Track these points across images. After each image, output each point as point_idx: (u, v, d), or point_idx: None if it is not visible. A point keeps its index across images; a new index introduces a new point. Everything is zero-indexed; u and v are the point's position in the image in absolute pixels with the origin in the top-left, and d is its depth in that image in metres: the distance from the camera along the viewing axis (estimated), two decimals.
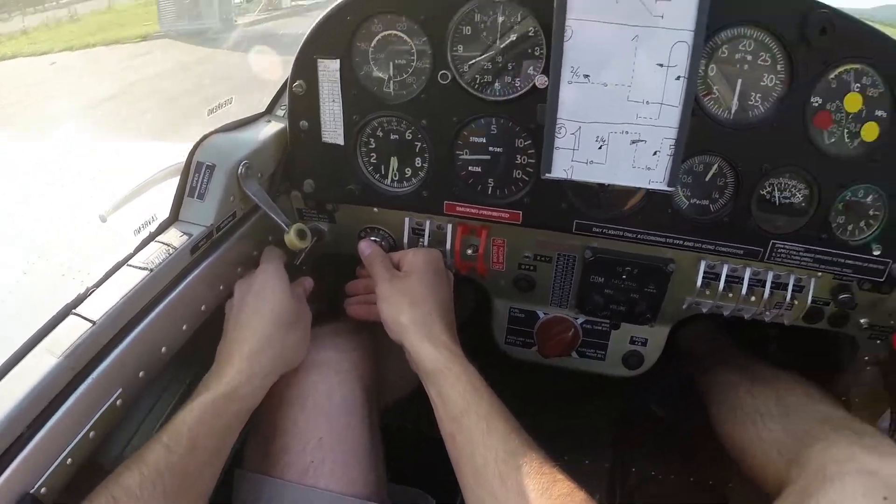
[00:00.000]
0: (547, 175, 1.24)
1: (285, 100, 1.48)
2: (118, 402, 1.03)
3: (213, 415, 1.01)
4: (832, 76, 1.19)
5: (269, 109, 1.53)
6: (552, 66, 1.15)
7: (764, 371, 1.52)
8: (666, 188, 1.23)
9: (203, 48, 15.35)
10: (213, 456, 1.01)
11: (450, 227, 1.44)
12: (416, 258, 1.33)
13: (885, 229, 1.29)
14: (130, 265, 1.13)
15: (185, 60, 14.06)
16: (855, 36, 1.16)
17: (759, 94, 1.22)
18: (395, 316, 1.22)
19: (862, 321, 1.44)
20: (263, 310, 1.18)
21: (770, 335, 1.60)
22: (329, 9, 1.30)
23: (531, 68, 1.24)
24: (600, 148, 1.20)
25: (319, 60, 1.32)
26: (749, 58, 1.20)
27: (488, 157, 1.34)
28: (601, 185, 1.29)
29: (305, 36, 1.33)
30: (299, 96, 1.36)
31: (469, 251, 1.46)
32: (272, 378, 1.14)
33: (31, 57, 16.62)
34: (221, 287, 1.29)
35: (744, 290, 1.39)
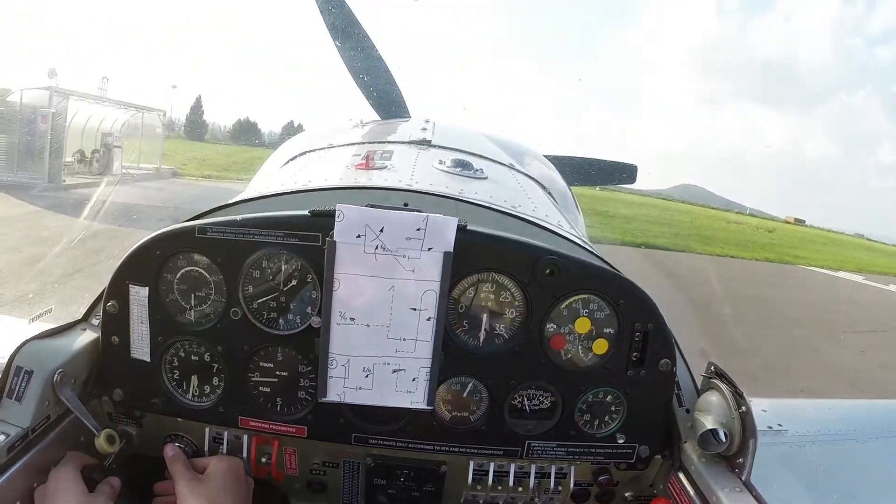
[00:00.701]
0: (323, 399, 1.42)
1: (99, 310, 1.58)
2: None
3: None
4: (563, 306, 1.48)
5: (86, 317, 1.62)
6: (324, 310, 1.37)
7: None
8: (425, 407, 1.44)
9: (27, 204, 14.68)
10: None
11: (245, 437, 1.55)
12: (219, 465, 1.46)
13: (626, 420, 1.55)
14: None
15: (6, 214, 13.33)
16: (579, 273, 1.46)
17: (502, 325, 1.48)
18: None
19: (627, 494, 1.66)
20: None
21: None
22: (141, 241, 1.46)
23: (309, 308, 1.44)
24: (367, 376, 1.40)
25: (131, 286, 1.46)
26: (492, 296, 1.47)
27: (276, 380, 1.50)
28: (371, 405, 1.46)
29: (119, 262, 1.47)
30: (112, 315, 1.48)
31: (264, 459, 1.57)
32: None
33: None
34: (36, 485, 1.32)
35: (511, 483, 1.58)
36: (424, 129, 2.81)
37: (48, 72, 18.98)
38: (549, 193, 2.85)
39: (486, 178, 2.15)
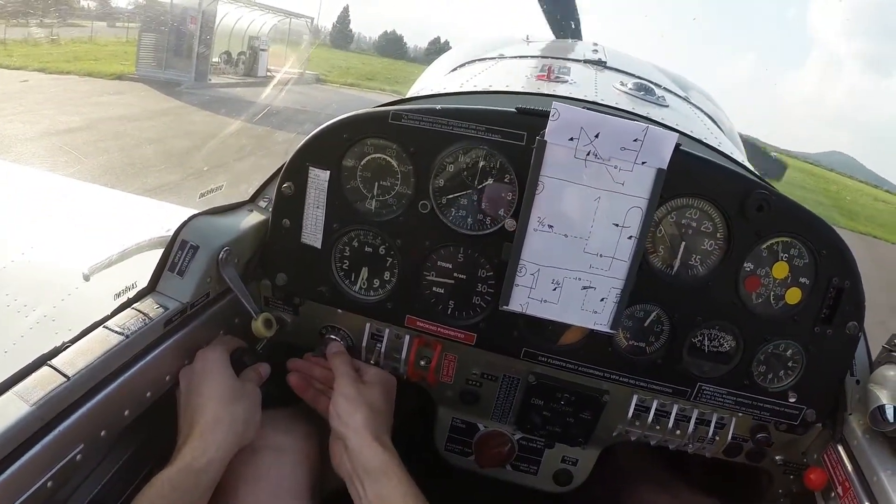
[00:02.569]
0: (504, 307, 1.36)
1: (268, 193, 1.57)
2: (78, 457, 1.06)
3: (171, 488, 1.07)
4: (764, 246, 1.37)
5: (253, 199, 1.62)
6: (522, 213, 1.29)
7: (687, 495, 1.62)
8: (608, 330, 1.37)
9: (174, 100, 15.50)
10: None
11: (407, 338, 1.52)
12: (382, 376, 1.45)
13: (800, 379, 1.45)
14: (106, 327, 1.19)
15: (154, 108, 14.14)
16: (787, 214, 1.35)
17: (698, 256, 1.38)
18: (352, 412, 1.30)
19: (777, 458, 1.57)
20: (207, 392, 1.25)
21: (695, 460, 1.76)
22: (328, 123, 1.42)
23: (502, 210, 1.37)
24: (555, 290, 1.33)
25: (311, 168, 1.43)
26: (693, 224, 1.36)
27: (452, 281, 1.46)
28: (550, 320, 1.40)
29: (301, 143, 1.44)
30: (286, 197, 1.46)
31: (422, 362, 1.54)
32: (227, 451, 1.19)
33: (4, 69, 16.46)
34: (187, 361, 1.34)
35: (670, 424, 1.51)
36: (596, 50, 2.67)
37: None
38: (722, 132, 2.66)
39: (667, 106, 2.01)
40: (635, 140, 1.23)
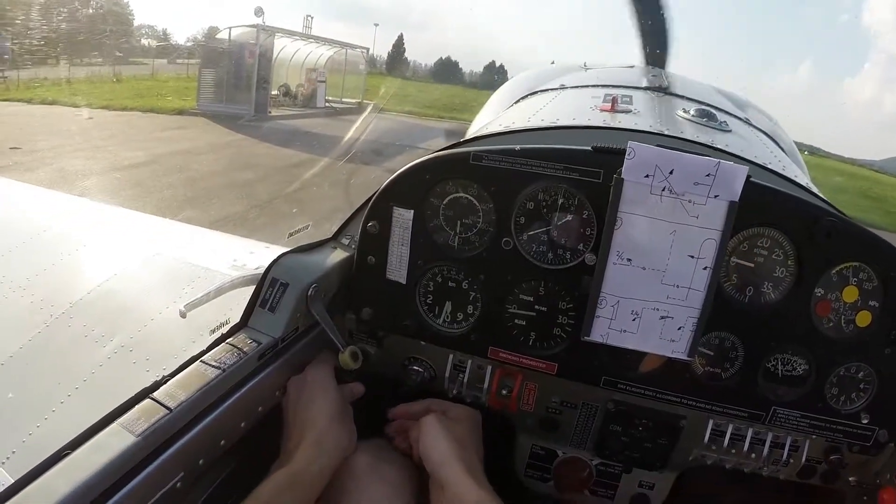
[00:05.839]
0: (586, 338, 1.42)
1: (349, 230, 1.67)
2: (178, 485, 1.13)
3: (288, 487, 1.16)
4: (834, 271, 1.40)
5: (335, 236, 1.71)
6: (601, 248, 1.36)
7: None
8: (686, 358, 1.41)
9: (235, 133, 16.00)
10: None
11: (489, 368, 1.59)
12: (468, 412, 1.50)
13: (873, 400, 1.46)
14: (204, 361, 1.28)
15: (215, 142, 14.60)
16: (855, 239, 1.37)
17: (770, 283, 1.42)
18: (443, 449, 1.33)
19: (851, 479, 1.57)
20: (318, 403, 1.35)
21: (768, 483, 1.69)
22: (411, 164, 1.51)
23: (581, 245, 1.44)
24: (634, 320, 1.39)
25: (395, 208, 1.52)
26: (765, 253, 1.40)
27: (534, 314, 1.52)
28: (629, 349, 1.45)
29: (384, 184, 1.53)
30: (371, 235, 1.55)
31: (504, 392, 1.59)
32: (333, 462, 1.28)
33: (70, 107, 17.33)
34: (277, 392, 1.43)
35: (745, 448, 1.53)
36: (655, 75, 2.70)
37: (255, 10, 20.42)
38: (784, 151, 2.66)
39: (730, 131, 2.04)
40: (708, 175, 1.28)
